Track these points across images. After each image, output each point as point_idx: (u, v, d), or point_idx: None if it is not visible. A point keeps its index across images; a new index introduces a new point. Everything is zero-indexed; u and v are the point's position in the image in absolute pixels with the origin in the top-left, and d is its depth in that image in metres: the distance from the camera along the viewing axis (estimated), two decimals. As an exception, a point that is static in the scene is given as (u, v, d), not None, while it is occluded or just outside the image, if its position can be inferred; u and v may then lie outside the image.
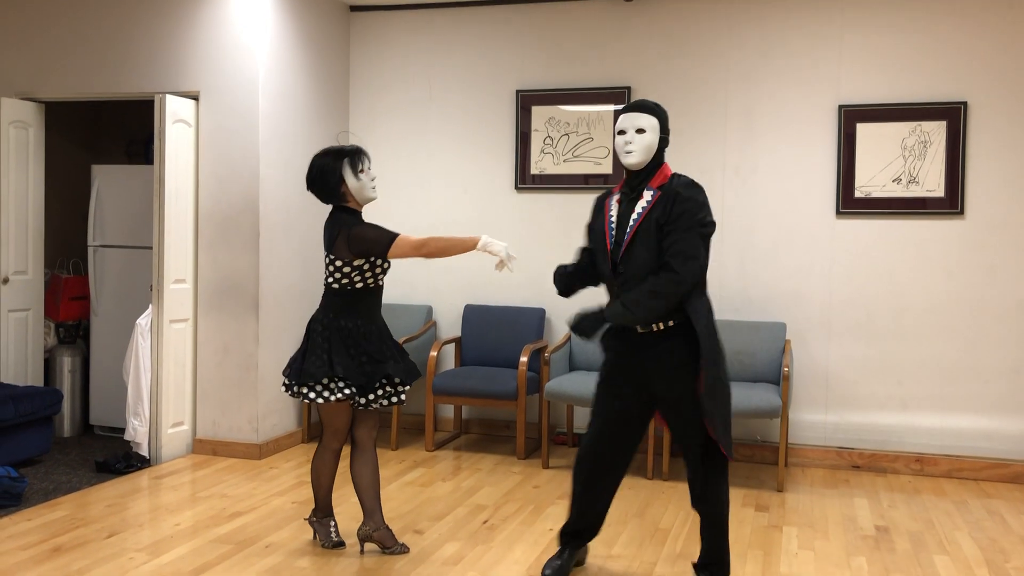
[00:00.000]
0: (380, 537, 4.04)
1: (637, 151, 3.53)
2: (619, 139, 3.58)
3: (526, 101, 6.25)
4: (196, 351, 5.76)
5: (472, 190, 6.41)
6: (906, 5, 5.62)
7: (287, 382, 3.97)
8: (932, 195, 5.58)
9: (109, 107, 7.15)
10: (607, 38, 6.11)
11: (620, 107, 5.95)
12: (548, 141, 6.21)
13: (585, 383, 5.36)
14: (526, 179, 6.27)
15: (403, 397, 4.04)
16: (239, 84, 5.62)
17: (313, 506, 4.23)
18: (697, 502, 3.64)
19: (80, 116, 7.07)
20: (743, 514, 4.75)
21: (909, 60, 5.62)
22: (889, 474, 5.62)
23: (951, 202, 5.55)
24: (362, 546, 4.09)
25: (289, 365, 4.00)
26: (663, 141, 3.58)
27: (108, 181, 6.35)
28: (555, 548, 3.97)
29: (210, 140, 5.71)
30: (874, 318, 5.70)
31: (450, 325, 6.46)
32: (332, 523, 4.17)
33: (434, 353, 5.95)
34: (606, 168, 6.03)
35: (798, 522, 4.66)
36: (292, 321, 5.87)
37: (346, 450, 4.11)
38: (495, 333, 6.21)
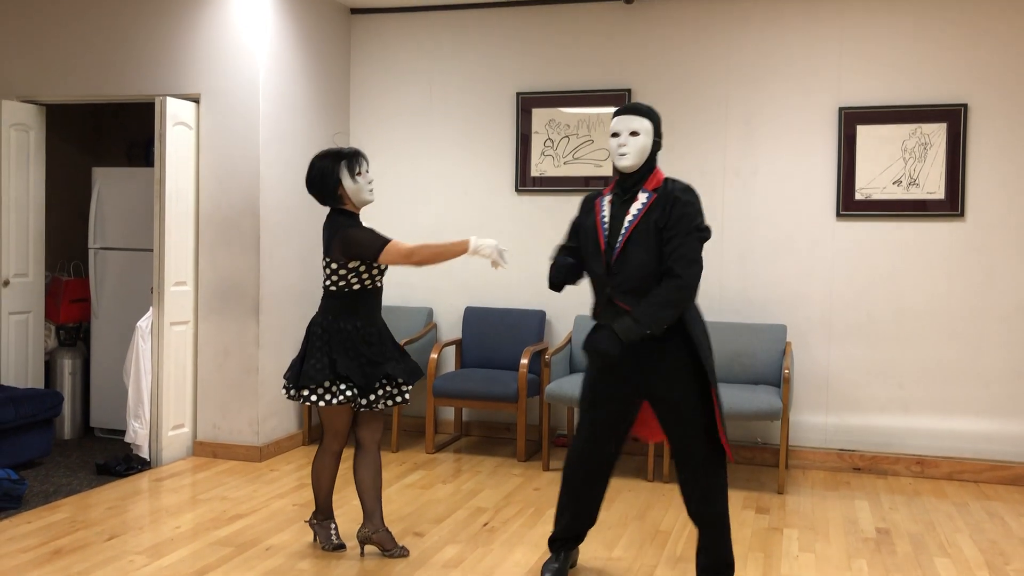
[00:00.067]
0: (379, 539, 4.04)
1: (631, 153, 3.55)
2: (613, 141, 3.60)
3: (526, 103, 6.26)
4: (196, 353, 5.76)
5: (472, 192, 6.41)
6: (906, 7, 5.62)
7: (287, 385, 3.97)
8: (932, 197, 5.58)
9: (110, 109, 7.15)
10: (607, 40, 6.11)
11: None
12: (548, 143, 6.22)
13: (585, 385, 5.36)
14: (526, 181, 6.27)
15: (407, 396, 4.04)
16: (239, 86, 5.63)
17: (314, 508, 4.23)
18: (699, 505, 3.60)
19: (81, 119, 7.07)
20: (743, 516, 4.75)
21: (909, 62, 5.62)
22: (890, 476, 5.62)
23: (951, 204, 5.55)
24: (362, 548, 4.09)
25: (290, 369, 4.00)
26: (656, 144, 3.62)
27: (109, 183, 6.36)
28: (555, 551, 3.97)
29: (210, 142, 5.71)
30: (875, 320, 5.70)
31: (450, 327, 6.46)
32: (333, 525, 4.17)
33: (434, 355, 5.95)
34: (606, 170, 6.03)
35: (799, 524, 4.66)
36: (292, 323, 5.87)
37: (350, 452, 4.11)
38: (496, 335, 6.21)
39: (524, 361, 5.72)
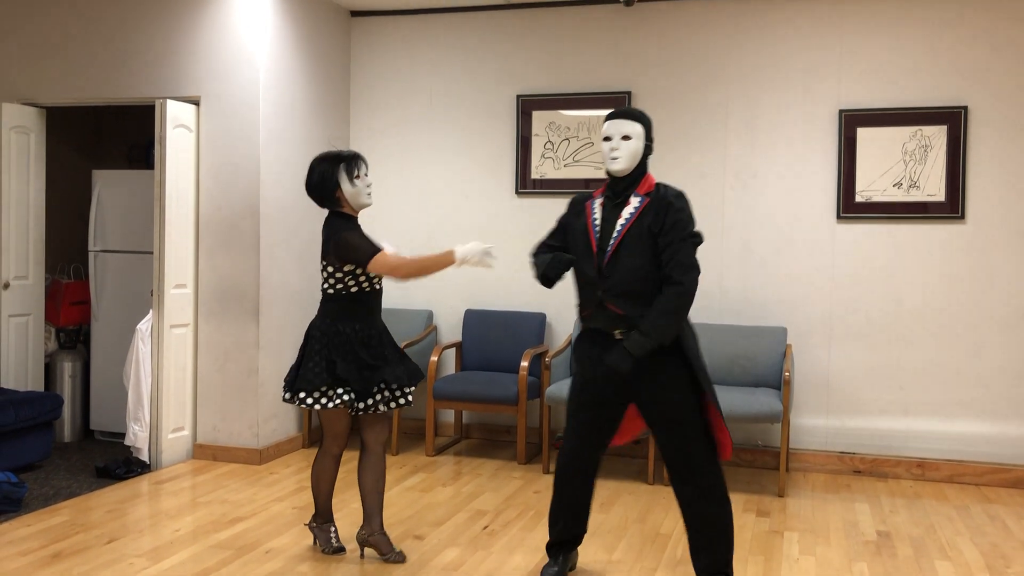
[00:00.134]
0: (375, 542, 4.04)
1: (623, 157, 3.57)
2: (604, 145, 3.61)
3: (527, 106, 6.26)
4: (196, 356, 5.76)
5: (473, 195, 6.41)
6: (906, 10, 5.62)
7: (285, 388, 3.97)
8: (933, 199, 5.58)
9: (110, 112, 7.15)
10: (608, 43, 6.11)
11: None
12: (549, 146, 6.22)
13: (586, 388, 5.35)
14: (527, 184, 6.27)
15: (410, 398, 4.03)
16: (240, 89, 5.63)
17: (313, 511, 4.22)
18: (699, 505, 3.57)
19: (81, 121, 7.07)
20: (744, 519, 4.74)
21: (909, 65, 5.62)
22: (890, 479, 5.61)
23: (952, 206, 5.55)
24: (362, 550, 4.09)
25: (289, 372, 4.00)
26: (647, 148, 3.63)
27: (109, 186, 6.36)
28: (555, 554, 3.97)
29: (211, 145, 5.71)
30: (875, 322, 5.69)
31: (451, 329, 6.46)
32: (332, 528, 4.16)
33: (435, 358, 5.95)
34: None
35: (799, 527, 4.65)
36: (292, 326, 5.87)
37: (350, 455, 4.11)
38: (496, 338, 6.20)
39: (524, 364, 5.72)
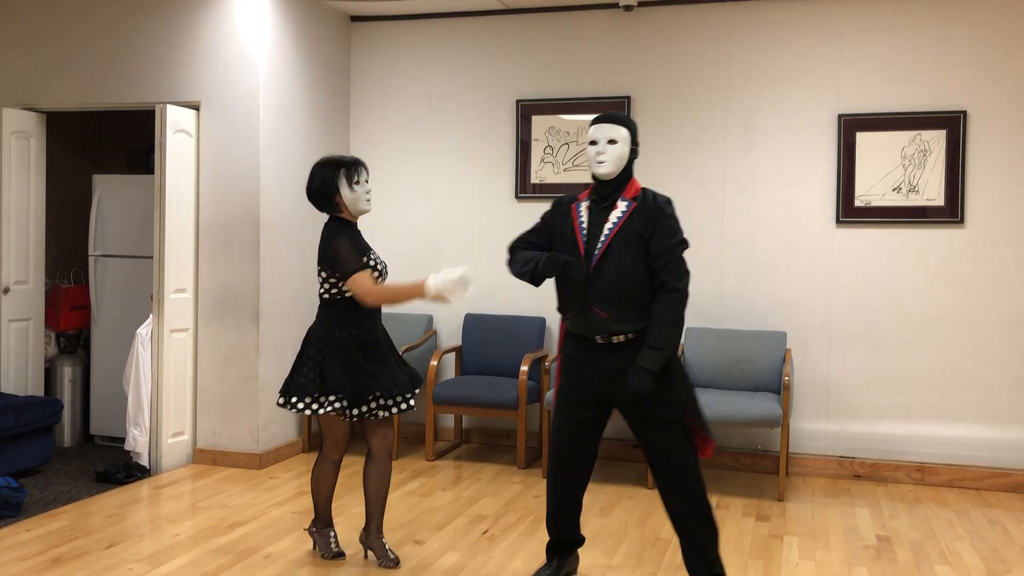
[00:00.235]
0: (371, 546, 4.06)
1: (609, 161, 3.59)
2: (591, 149, 3.63)
3: (526, 110, 6.26)
4: (196, 361, 5.76)
5: (472, 199, 6.41)
6: (905, 14, 5.63)
7: (280, 392, 3.98)
8: (932, 204, 5.58)
9: (110, 117, 7.16)
10: (607, 48, 6.12)
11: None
12: (548, 150, 6.22)
13: (585, 392, 5.35)
14: (526, 188, 6.27)
15: (412, 403, 4.01)
16: (240, 94, 5.64)
17: (313, 516, 4.22)
18: (681, 507, 3.59)
19: (81, 126, 7.08)
20: (743, 524, 4.74)
21: (908, 69, 5.63)
22: (890, 483, 5.61)
23: (951, 211, 5.55)
24: (365, 552, 4.11)
25: (287, 377, 4.01)
26: (633, 152, 3.65)
27: (109, 191, 6.36)
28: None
29: (211, 150, 5.72)
30: (875, 326, 5.69)
31: (450, 334, 6.46)
32: (332, 533, 4.16)
33: (434, 362, 5.95)
34: (606, 177, 6.04)
35: (799, 532, 4.65)
36: (292, 331, 5.87)
37: (350, 459, 4.10)
38: (495, 342, 6.21)
39: (524, 368, 5.72)
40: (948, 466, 5.57)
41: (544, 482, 5.46)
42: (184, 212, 5.67)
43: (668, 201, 3.61)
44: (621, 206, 3.60)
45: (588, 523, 4.66)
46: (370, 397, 3.86)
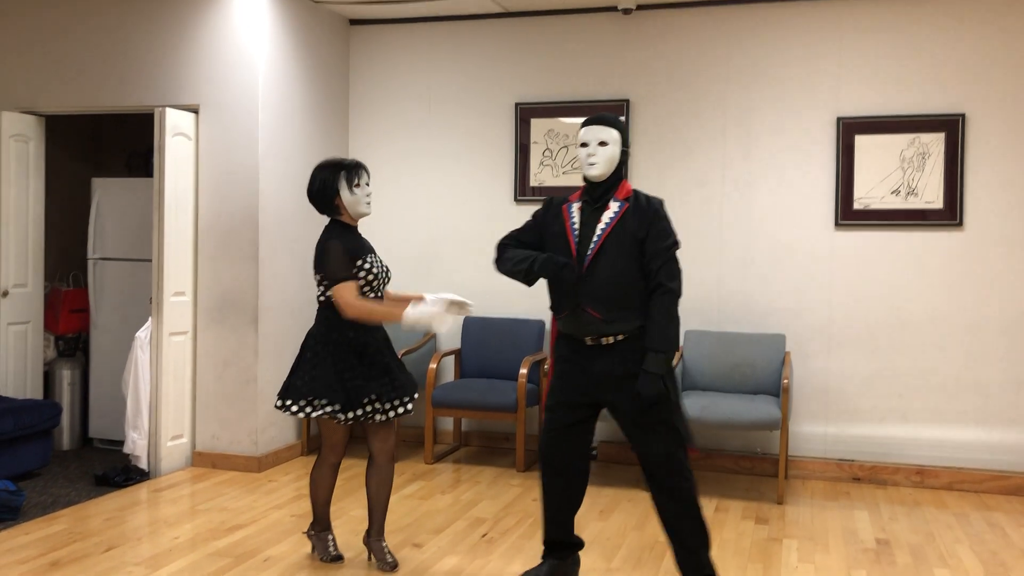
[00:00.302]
0: (371, 548, 4.07)
1: (600, 163, 3.61)
2: (582, 151, 3.65)
3: (525, 114, 6.27)
4: (195, 364, 5.76)
5: (472, 202, 6.42)
6: (904, 18, 5.63)
7: (278, 395, 3.98)
8: (931, 207, 5.58)
9: (109, 120, 7.17)
10: (606, 51, 6.13)
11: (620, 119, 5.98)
12: (547, 153, 6.23)
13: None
14: (525, 191, 6.28)
15: (409, 407, 3.99)
16: (239, 97, 5.64)
17: (312, 519, 4.22)
18: (669, 506, 3.60)
19: (80, 129, 7.09)
20: (743, 526, 4.74)
21: (907, 72, 5.63)
22: (890, 486, 5.61)
23: (950, 214, 5.55)
24: (369, 554, 4.10)
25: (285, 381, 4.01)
26: (624, 154, 3.66)
27: (108, 194, 6.36)
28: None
29: (210, 153, 5.72)
30: (874, 329, 5.69)
31: (450, 337, 6.45)
32: (330, 537, 4.16)
33: (433, 365, 5.95)
34: (605, 180, 6.04)
35: (798, 535, 4.65)
36: (291, 334, 5.87)
37: (350, 462, 4.10)
38: (495, 345, 6.21)
39: (523, 371, 5.72)
40: (947, 469, 5.57)
41: (543, 485, 5.48)
42: (183, 215, 5.67)
43: (661, 203, 3.65)
44: (614, 207, 3.62)
45: (587, 526, 4.66)
46: (365, 400, 3.85)
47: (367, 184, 3.95)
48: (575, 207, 3.70)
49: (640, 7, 6.01)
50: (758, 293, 5.88)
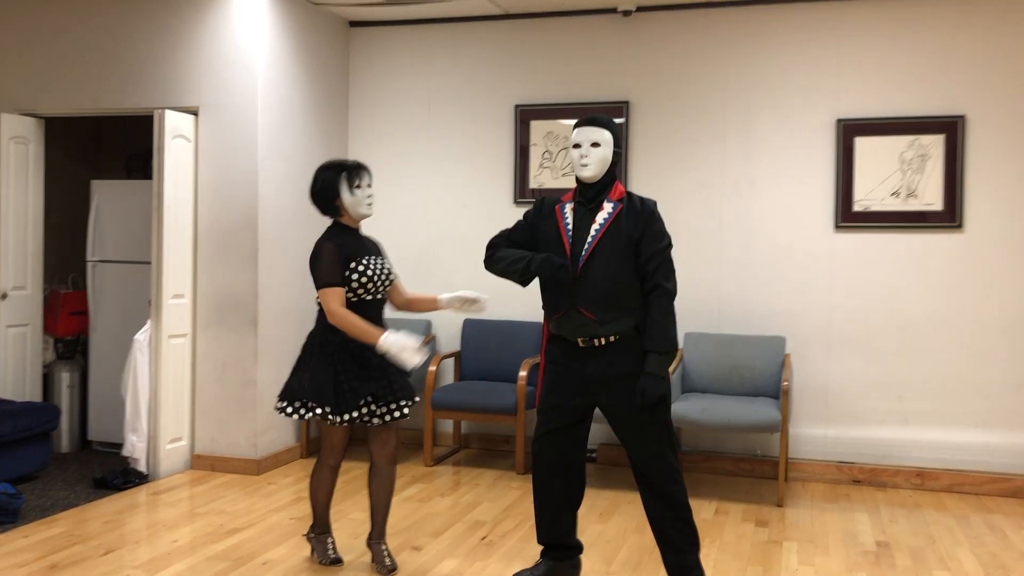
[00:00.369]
0: (371, 550, 4.06)
1: (592, 164, 3.61)
2: (574, 152, 3.66)
3: (525, 115, 6.27)
4: (195, 367, 5.76)
5: (471, 204, 6.41)
6: (904, 19, 5.63)
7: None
8: (931, 208, 5.58)
9: (109, 122, 7.16)
10: (605, 53, 6.12)
11: (620, 121, 5.98)
12: (547, 155, 6.23)
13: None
14: (525, 193, 6.27)
15: (405, 412, 3.96)
16: (238, 99, 5.64)
17: (311, 522, 4.21)
18: (659, 509, 3.61)
19: (80, 131, 7.08)
20: (742, 529, 4.73)
21: (907, 74, 5.63)
22: (890, 489, 5.60)
23: (950, 215, 5.55)
24: (373, 557, 4.10)
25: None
26: (616, 155, 3.67)
27: (107, 196, 6.36)
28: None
29: (209, 155, 5.71)
30: (874, 331, 5.69)
31: (449, 339, 6.45)
32: (330, 539, 4.15)
33: (433, 367, 5.95)
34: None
35: (798, 537, 4.64)
36: (290, 337, 5.86)
37: (349, 465, 4.09)
38: (494, 347, 6.20)
39: (523, 373, 5.72)
40: (947, 471, 5.57)
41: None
42: (182, 217, 5.67)
43: (654, 204, 3.67)
44: (608, 207, 3.62)
45: (586, 529, 4.65)
46: (360, 403, 3.83)
47: (369, 185, 3.94)
48: (568, 208, 3.70)
49: (640, 9, 6.01)
50: (758, 295, 5.87)
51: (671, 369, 5.40)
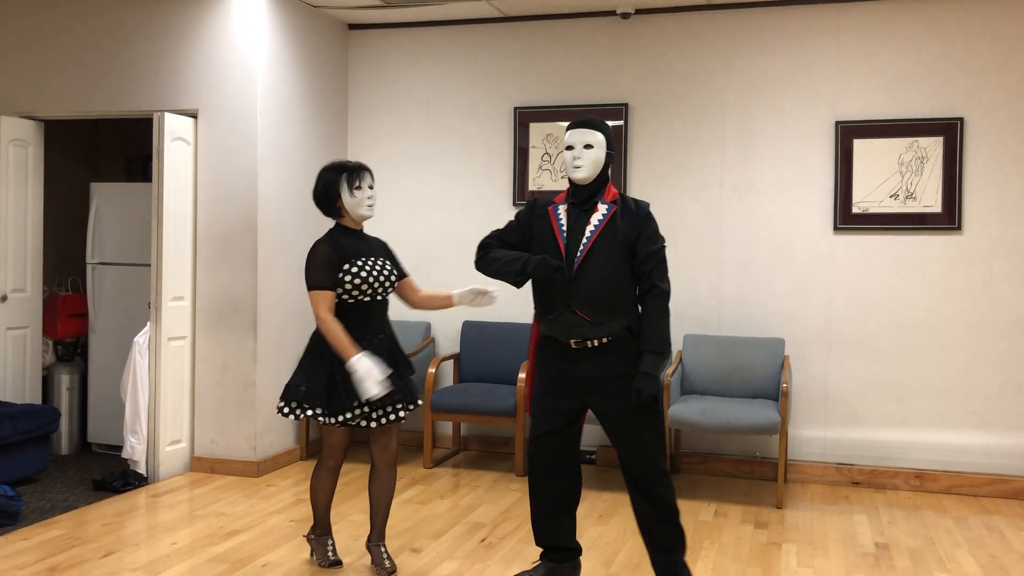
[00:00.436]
0: (370, 552, 4.06)
1: (585, 166, 3.62)
2: (567, 154, 3.66)
3: (524, 118, 6.27)
4: (194, 369, 5.76)
5: (471, 206, 6.42)
6: (903, 22, 5.64)
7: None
8: (930, 211, 5.59)
9: (108, 125, 7.17)
10: (605, 55, 6.13)
11: (619, 123, 5.99)
12: (546, 157, 6.23)
13: (583, 400, 5.35)
14: (524, 195, 6.28)
15: (402, 415, 3.94)
16: (238, 102, 5.64)
17: (311, 524, 4.21)
18: (649, 511, 3.62)
19: (79, 134, 7.09)
20: (742, 531, 4.74)
21: (906, 76, 5.64)
22: (889, 490, 5.61)
23: (949, 218, 5.56)
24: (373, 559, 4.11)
25: None
26: (609, 157, 3.68)
27: (107, 199, 6.36)
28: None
29: (209, 158, 5.72)
30: (873, 333, 5.69)
31: (449, 341, 6.46)
32: (330, 541, 4.15)
33: (432, 370, 5.95)
34: (604, 184, 6.04)
35: (798, 539, 4.64)
36: (290, 339, 5.87)
37: (350, 467, 4.10)
38: (494, 349, 6.20)
39: (522, 375, 5.72)
40: (947, 473, 5.57)
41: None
42: (182, 220, 5.67)
43: (648, 206, 3.69)
44: (602, 209, 3.64)
45: (586, 531, 4.65)
46: (355, 404, 3.81)
47: (370, 187, 3.94)
48: (562, 209, 3.71)
49: (639, 11, 6.02)
50: (757, 297, 5.88)
51: (668, 372, 5.42)
